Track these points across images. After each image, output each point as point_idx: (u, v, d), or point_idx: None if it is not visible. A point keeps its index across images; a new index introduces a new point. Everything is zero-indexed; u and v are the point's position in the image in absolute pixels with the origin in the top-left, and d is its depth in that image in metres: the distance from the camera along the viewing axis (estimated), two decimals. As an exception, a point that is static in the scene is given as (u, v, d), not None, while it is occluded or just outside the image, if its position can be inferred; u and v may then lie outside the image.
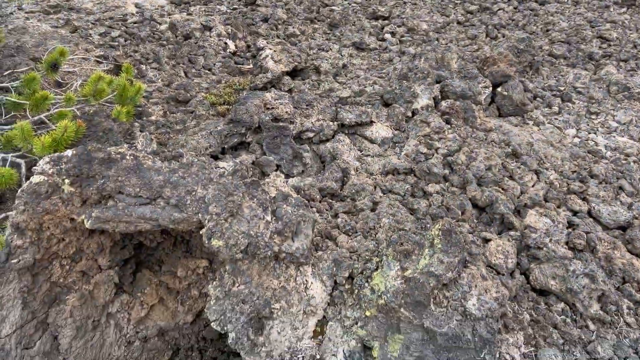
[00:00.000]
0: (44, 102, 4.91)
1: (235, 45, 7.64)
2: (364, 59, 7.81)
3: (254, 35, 8.18)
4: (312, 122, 5.04)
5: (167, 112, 6.16)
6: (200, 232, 3.17)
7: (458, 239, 3.20)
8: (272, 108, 5.04)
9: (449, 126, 5.42)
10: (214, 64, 7.28)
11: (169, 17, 8.47)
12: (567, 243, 4.31)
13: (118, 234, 3.76)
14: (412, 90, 5.66)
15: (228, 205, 3.21)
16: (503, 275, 3.77)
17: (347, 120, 5.08)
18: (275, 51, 6.91)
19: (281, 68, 6.63)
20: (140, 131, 5.45)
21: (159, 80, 6.56)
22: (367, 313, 3.20)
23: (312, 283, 3.47)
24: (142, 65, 6.82)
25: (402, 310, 3.05)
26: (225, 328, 3.22)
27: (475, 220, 4.39)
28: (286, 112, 5.06)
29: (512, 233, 4.20)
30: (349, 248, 3.70)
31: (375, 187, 4.51)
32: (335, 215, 4.13)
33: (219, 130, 4.88)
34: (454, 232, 3.21)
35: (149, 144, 4.95)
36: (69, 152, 3.23)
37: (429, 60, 6.52)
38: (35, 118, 4.93)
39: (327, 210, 4.23)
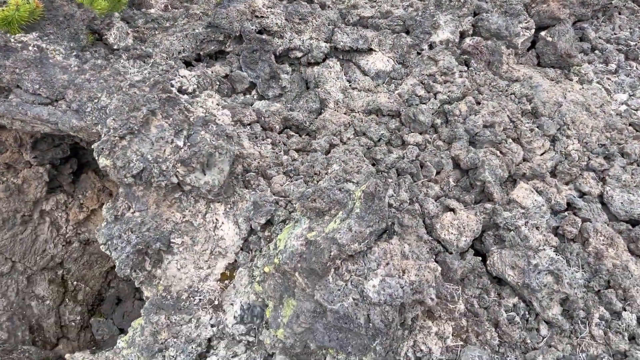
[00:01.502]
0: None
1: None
2: (410, -24, 6.84)
3: None
4: (302, 40, 4.43)
5: (169, 7, 5.68)
6: (92, 147, 2.81)
7: (381, 206, 2.66)
8: (261, 17, 4.45)
9: (465, 68, 4.64)
10: (239, -40, 6.61)
11: None
12: (557, 228, 3.65)
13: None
14: (434, 19, 4.85)
15: (130, 120, 2.80)
16: (451, 253, 3.21)
17: (341, 43, 4.43)
18: (303, -47, 6.13)
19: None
20: (127, 22, 5.04)
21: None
22: (266, 269, 2.80)
23: (223, 223, 3.08)
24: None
25: (297, 275, 2.63)
26: (112, 254, 2.93)
27: (452, 183, 3.77)
28: (276, 23, 4.46)
29: (487, 206, 3.57)
30: (280, 192, 3.24)
31: (347, 127, 3.94)
32: (287, 152, 3.64)
33: (195, 34, 4.39)
34: (378, 197, 2.67)
35: (123, 38, 4.55)
36: (-36, 33, 2.88)
37: (473, -14, 5.56)
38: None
39: (283, 143, 3.75)
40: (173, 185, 2.85)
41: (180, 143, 2.91)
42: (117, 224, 2.93)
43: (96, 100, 2.85)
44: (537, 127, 4.32)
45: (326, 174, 3.39)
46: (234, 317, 2.97)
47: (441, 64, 4.44)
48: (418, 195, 3.56)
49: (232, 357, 2.95)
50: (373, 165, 3.64)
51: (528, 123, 4.35)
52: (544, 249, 3.36)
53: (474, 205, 3.62)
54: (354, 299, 2.54)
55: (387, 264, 2.60)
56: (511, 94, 4.56)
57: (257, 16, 4.46)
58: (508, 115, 4.30)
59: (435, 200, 3.54)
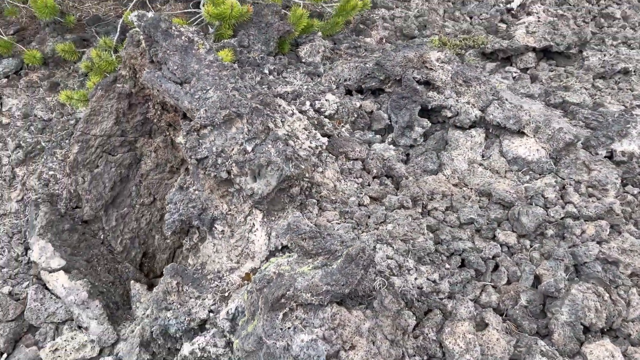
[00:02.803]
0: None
1: (520, 5, 6.64)
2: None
3: None
4: (457, 101, 4.32)
5: (384, 40, 6.07)
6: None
7: (353, 272, 2.56)
8: (430, 69, 4.48)
9: (635, 191, 3.86)
10: (481, 14, 6.58)
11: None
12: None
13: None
14: (627, 125, 4.14)
15: (216, 116, 3.29)
16: (446, 365, 2.83)
17: (491, 116, 4.15)
18: (538, 20, 5.80)
19: (528, 42, 5.59)
20: (334, 42, 5.61)
21: (400, 9, 6.39)
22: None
23: (257, 230, 3.35)
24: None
25: (260, 298, 2.76)
26: (165, 216, 3.49)
27: (522, 302, 3.25)
28: (441, 79, 4.43)
29: (540, 343, 2.99)
30: (322, 226, 3.34)
31: (443, 198, 3.74)
32: (360, 191, 3.67)
33: (363, 67, 4.67)
34: (356, 263, 2.57)
35: (313, 55, 5.12)
36: (150, 13, 3.73)
37: None
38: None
39: (366, 186, 3.79)
40: (221, 179, 3.24)
41: (249, 148, 3.27)
42: (178, 193, 3.47)
43: (205, 91, 3.40)
44: (689, 291, 3.37)
45: (376, 229, 3.34)
46: (227, 312, 3.22)
47: (594, 174, 3.80)
48: (467, 295, 3.21)
49: (212, 346, 3.22)
50: (433, 243, 3.41)
51: (678, 282, 3.42)
52: None
53: (526, 335, 3.08)
54: (286, 344, 2.56)
55: (332, 329, 2.52)
56: (679, 241, 3.63)
57: (426, 67, 4.49)
58: (652, 262, 3.46)
59: (482, 307, 3.14)
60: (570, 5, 6.76)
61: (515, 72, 5.55)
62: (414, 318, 2.85)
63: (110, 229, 4.65)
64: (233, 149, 3.26)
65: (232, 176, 3.23)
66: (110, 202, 4.66)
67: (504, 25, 6.22)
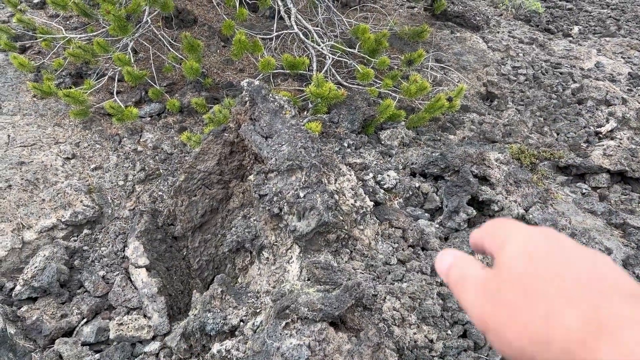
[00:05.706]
0: (368, 77, 6.42)
1: (611, 130, 6.89)
2: None
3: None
4: (505, 198, 4.75)
5: (465, 139, 6.64)
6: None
7: (344, 300, 3.10)
8: (488, 166, 4.99)
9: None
10: (569, 132, 6.92)
11: (590, 82, 8.15)
12: None
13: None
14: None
15: (282, 165, 4.12)
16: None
17: (531, 216, 4.50)
18: (619, 145, 6.04)
19: (603, 163, 5.85)
20: (417, 132, 6.32)
21: (491, 115, 6.95)
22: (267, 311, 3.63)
23: (293, 262, 4.02)
24: (510, 105, 7.29)
25: (272, 308, 3.39)
26: (227, 236, 4.29)
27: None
28: (496, 176, 4.92)
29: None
30: (344, 269, 3.91)
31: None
32: (392, 253, 4.20)
33: (428, 155, 5.29)
34: (350, 293, 3.11)
35: (392, 139, 5.87)
36: (256, 81, 4.75)
37: None
38: (354, 87, 6.55)
39: (400, 250, 4.31)
40: (274, 214, 4.00)
41: (302, 194, 4.02)
42: (241, 220, 4.28)
43: (280, 145, 4.27)
44: None
45: (392, 284, 3.84)
46: (253, 324, 3.87)
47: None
48: None
49: (235, 350, 3.85)
50: (444, 310, 3.80)
51: None
52: None
53: None
54: (279, 345, 3.14)
55: (317, 341, 3.06)
56: None
57: (484, 164, 5.01)
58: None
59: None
60: (665, 139, 6.86)
61: (585, 189, 5.80)
62: (395, 357, 3.27)
63: (193, 249, 5.57)
64: (289, 192, 4.03)
65: (283, 213, 3.98)
66: (198, 227, 5.61)
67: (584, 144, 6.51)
